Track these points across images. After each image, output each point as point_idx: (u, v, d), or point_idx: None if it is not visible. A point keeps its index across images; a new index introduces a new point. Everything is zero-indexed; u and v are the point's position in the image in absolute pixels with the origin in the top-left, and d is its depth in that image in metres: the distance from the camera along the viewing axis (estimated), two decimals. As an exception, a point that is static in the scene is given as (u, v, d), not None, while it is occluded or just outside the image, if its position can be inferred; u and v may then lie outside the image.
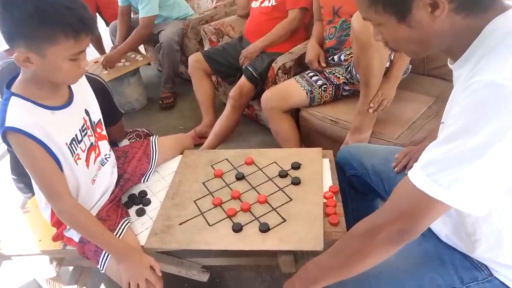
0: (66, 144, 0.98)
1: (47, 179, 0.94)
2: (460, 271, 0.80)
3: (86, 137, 1.05)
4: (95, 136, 1.10)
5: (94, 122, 1.10)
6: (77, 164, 1.01)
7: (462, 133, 0.60)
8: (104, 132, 1.16)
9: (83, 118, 1.05)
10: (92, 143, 1.07)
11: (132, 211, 1.16)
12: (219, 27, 2.43)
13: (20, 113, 0.90)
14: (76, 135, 1.01)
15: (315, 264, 0.82)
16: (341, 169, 1.23)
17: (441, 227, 0.85)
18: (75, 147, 1.00)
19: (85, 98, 1.08)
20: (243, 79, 2.00)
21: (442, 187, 0.61)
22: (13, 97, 0.90)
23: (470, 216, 0.74)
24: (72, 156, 0.99)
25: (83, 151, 1.04)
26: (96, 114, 1.12)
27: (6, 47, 1.82)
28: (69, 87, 1.03)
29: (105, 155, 1.14)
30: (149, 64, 2.91)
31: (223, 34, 2.43)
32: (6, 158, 2.22)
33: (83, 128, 1.04)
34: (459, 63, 0.70)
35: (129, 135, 1.87)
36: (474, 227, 0.75)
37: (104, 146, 1.15)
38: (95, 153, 1.09)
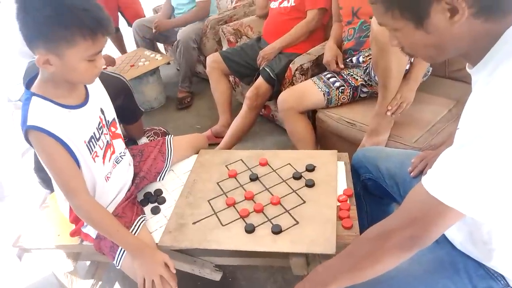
0: (85, 142, 1.00)
1: (64, 176, 0.97)
2: (474, 280, 0.78)
3: (103, 135, 1.08)
4: (109, 134, 1.12)
5: (108, 121, 1.13)
6: (94, 161, 1.03)
7: (477, 140, 0.58)
8: (119, 131, 1.18)
9: (99, 117, 1.08)
10: (108, 141, 1.10)
11: (147, 209, 1.18)
12: (237, 27, 2.44)
13: (41, 112, 0.92)
14: (94, 133, 1.04)
15: (325, 267, 0.81)
16: (356, 172, 1.22)
17: (456, 234, 0.83)
18: (93, 145, 1.03)
19: (100, 97, 1.11)
20: (260, 79, 2.00)
21: (455, 194, 0.60)
22: (33, 97, 0.93)
23: (486, 224, 0.72)
24: (90, 153, 1.02)
25: (101, 149, 1.06)
26: (110, 113, 1.14)
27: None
28: (85, 87, 1.06)
29: (120, 153, 1.16)
30: (168, 63, 2.95)
31: (242, 34, 2.44)
32: (29, 154, 2.29)
33: (100, 126, 1.07)
34: (477, 68, 0.68)
35: (147, 133, 1.91)
36: (490, 235, 0.73)
37: (119, 144, 1.17)
38: (111, 151, 1.11)
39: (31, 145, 0.95)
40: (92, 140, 1.03)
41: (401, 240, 0.68)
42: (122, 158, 1.17)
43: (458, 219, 0.64)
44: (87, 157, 1.01)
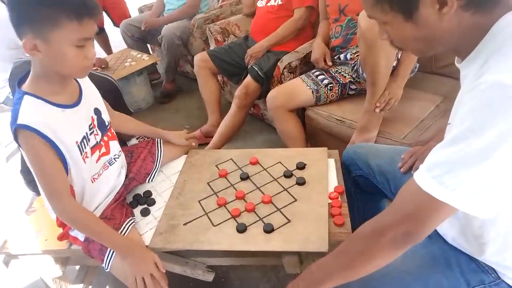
0: (77, 142, 0.98)
1: (49, 178, 0.95)
2: (466, 274, 0.79)
3: (93, 135, 1.06)
4: (106, 135, 1.11)
5: (108, 122, 1.12)
6: (85, 162, 1.01)
7: (468, 134, 0.58)
8: (115, 132, 1.17)
9: (91, 117, 1.06)
10: (97, 142, 1.08)
11: (137, 211, 1.16)
12: (224, 26, 2.43)
13: (32, 112, 0.90)
14: (86, 133, 1.02)
15: (319, 265, 0.81)
16: (347, 169, 1.22)
17: (447, 229, 0.83)
18: (84, 145, 1.01)
19: (95, 97, 1.10)
20: (248, 78, 1.99)
21: (448, 189, 0.60)
22: (26, 96, 0.91)
23: (477, 218, 0.72)
24: (81, 154, 1.00)
25: (91, 149, 1.05)
26: (107, 114, 1.13)
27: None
28: (79, 85, 1.03)
29: (114, 155, 1.15)
30: (155, 63, 2.92)
31: (229, 33, 2.43)
32: (14, 158, 2.25)
33: (91, 127, 1.05)
34: (466, 62, 0.68)
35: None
36: (481, 230, 0.74)
37: (115, 146, 1.15)
38: (99, 152, 1.09)
39: (19, 145, 0.93)
40: (84, 140, 1.01)
41: (395, 236, 0.68)
42: (116, 161, 1.15)
43: (451, 214, 0.64)
44: (77, 158, 0.99)
